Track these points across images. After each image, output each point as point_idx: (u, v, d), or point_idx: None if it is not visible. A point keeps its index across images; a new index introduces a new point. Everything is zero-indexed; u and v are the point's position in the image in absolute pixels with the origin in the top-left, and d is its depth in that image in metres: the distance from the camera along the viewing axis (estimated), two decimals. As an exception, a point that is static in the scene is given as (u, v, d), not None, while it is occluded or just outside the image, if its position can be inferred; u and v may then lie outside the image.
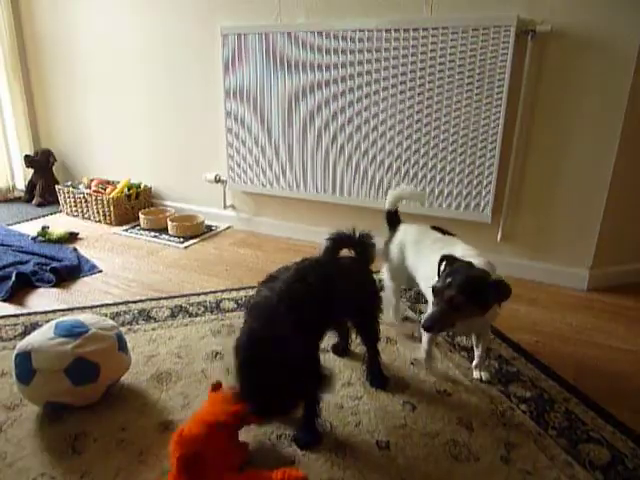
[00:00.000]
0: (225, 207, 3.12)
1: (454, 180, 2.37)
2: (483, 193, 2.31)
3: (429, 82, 2.29)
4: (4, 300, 2.13)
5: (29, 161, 3.61)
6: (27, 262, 2.44)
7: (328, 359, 1.70)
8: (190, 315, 1.99)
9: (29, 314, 2.01)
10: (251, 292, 2.20)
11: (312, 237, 2.85)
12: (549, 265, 2.34)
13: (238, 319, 1.97)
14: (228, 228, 3.11)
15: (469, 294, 1.31)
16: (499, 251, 2.43)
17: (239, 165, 2.90)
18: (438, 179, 2.40)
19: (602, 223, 2.20)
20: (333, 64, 2.47)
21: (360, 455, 1.29)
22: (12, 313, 2.02)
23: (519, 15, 2.07)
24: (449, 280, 1.33)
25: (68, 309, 2.04)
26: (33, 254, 2.56)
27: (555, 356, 1.75)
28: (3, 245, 2.68)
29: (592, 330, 1.95)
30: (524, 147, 2.25)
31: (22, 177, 3.82)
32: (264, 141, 2.78)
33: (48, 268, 2.34)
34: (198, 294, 2.17)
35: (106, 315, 1.97)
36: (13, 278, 2.21)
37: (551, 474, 1.23)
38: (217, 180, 3.04)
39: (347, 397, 1.51)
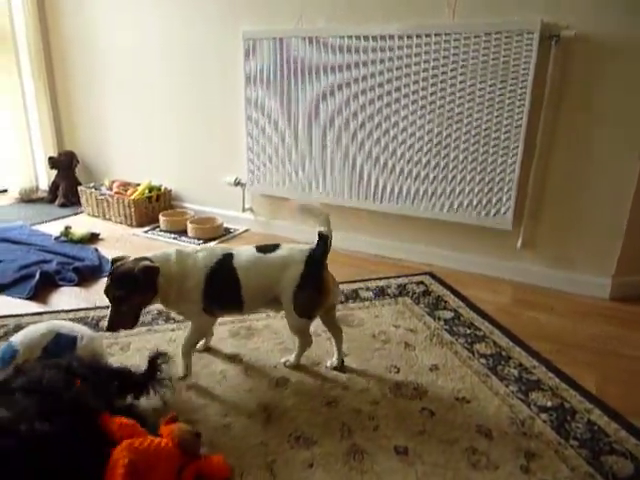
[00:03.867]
0: (244, 210, 3.14)
1: (474, 186, 2.35)
2: (504, 199, 2.29)
3: (450, 86, 2.29)
4: (28, 298, 2.17)
5: (53, 162, 3.68)
6: (50, 261, 2.48)
7: (345, 362, 1.70)
8: (209, 316, 2.00)
9: (52, 312, 2.05)
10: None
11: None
12: (570, 273, 2.31)
13: (257, 321, 1.98)
14: (246, 231, 3.13)
15: (122, 287, 1.41)
16: (519, 258, 2.40)
17: (259, 168, 2.92)
18: (458, 185, 2.39)
19: (626, 230, 2.16)
20: (355, 71, 2.48)
21: (378, 460, 1.28)
22: (36, 311, 2.06)
23: (542, 19, 2.05)
24: (108, 282, 1.44)
25: (90, 308, 2.07)
26: (56, 253, 2.60)
27: (576, 365, 1.72)
28: (27, 244, 2.74)
29: (615, 340, 1.92)
30: (546, 153, 2.23)
31: (46, 178, 3.89)
32: (284, 144, 2.80)
33: (71, 267, 2.38)
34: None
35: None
36: (37, 277, 2.25)
37: (572, 485, 1.21)
38: (237, 183, 3.06)
39: (365, 402, 1.51)
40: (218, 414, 1.44)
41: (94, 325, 1.92)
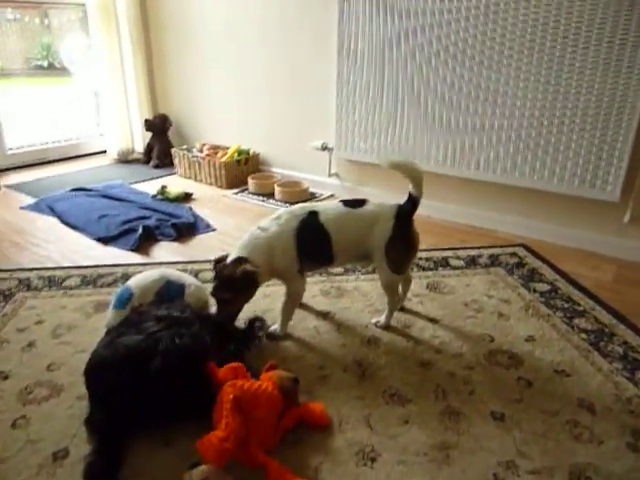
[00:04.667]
0: (329, 175, 3.15)
1: (579, 154, 2.21)
2: (612, 169, 2.14)
3: (561, 46, 2.13)
4: (132, 250, 2.33)
5: (148, 125, 3.87)
6: (149, 217, 2.64)
7: (435, 327, 1.69)
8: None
9: (154, 264, 2.18)
10: (357, 258, 2.22)
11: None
12: (682, 252, 2.14)
13: (346, 282, 2.00)
14: (331, 196, 3.15)
15: (227, 290, 1.48)
16: (625, 234, 2.25)
17: (347, 133, 2.90)
18: (561, 152, 2.26)
19: None
20: (455, 32, 2.38)
21: (475, 423, 1.28)
22: (139, 262, 2.21)
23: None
24: (215, 284, 1.51)
25: (188, 261, 2.19)
26: (155, 210, 2.76)
27: (689, 347, 1.61)
28: (128, 201, 2.92)
29: None
30: (665, 120, 2.05)
31: (141, 140, 4.10)
32: (374, 109, 2.76)
33: (169, 224, 2.52)
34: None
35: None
36: (140, 231, 2.40)
37: (687, 467, 1.15)
38: (324, 148, 3.07)
39: (459, 366, 1.50)
40: (314, 366, 1.49)
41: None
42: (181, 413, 1.23)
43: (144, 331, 1.24)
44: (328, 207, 1.61)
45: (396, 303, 1.71)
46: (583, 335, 1.66)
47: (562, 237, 2.40)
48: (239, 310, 1.57)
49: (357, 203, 1.60)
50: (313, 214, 1.56)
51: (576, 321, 1.74)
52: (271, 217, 1.59)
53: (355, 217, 1.57)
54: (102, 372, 1.23)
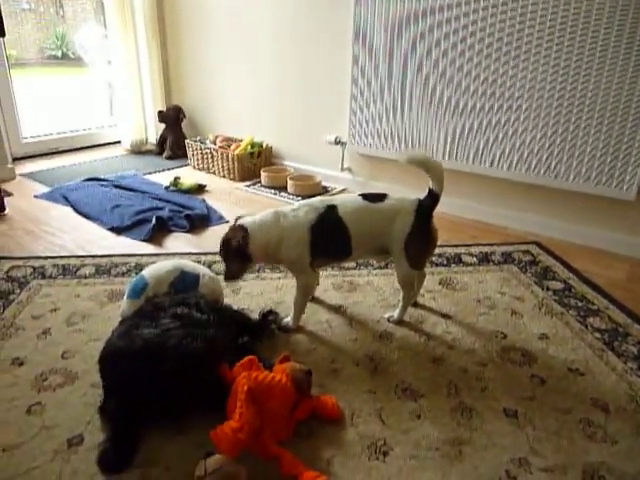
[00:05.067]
0: (342, 169, 3.15)
1: (596, 152, 2.19)
2: (630, 167, 2.12)
3: (569, 37, 2.11)
4: (145, 240, 2.34)
5: (162, 116, 3.88)
6: (163, 208, 2.65)
7: (448, 323, 1.68)
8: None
9: (167, 254, 2.19)
10: (369, 253, 2.22)
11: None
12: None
13: (358, 277, 2.00)
14: (343, 190, 3.14)
15: (222, 251, 1.57)
16: (638, 232, 2.23)
17: (360, 126, 2.89)
18: (577, 150, 2.23)
19: None
20: (467, 19, 2.35)
21: (487, 419, 1.28)
22: (152, 252, 2.22)
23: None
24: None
25: (201, 253, 2.20)
26: (168, 201, 2.77)
27: None
28: (141, 192, 2.93)
29: None
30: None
31: (154, 131, 4.11)
32: (388, 104, 2.74)
33: (182, 215, 2.53)
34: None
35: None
36: (153, 221, 2.41)
37: (703, 469, 1.14)
38: (337, 142, 3.06)
39: (471, 363, 1.49)
40: (326, 359, 1.49)
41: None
42: (192, 407, 1.23)
43: (160, 326, 1.24)
44: (347, 200, 1.59)
45: (411, 298, 1.71)
46: (597, 334, 1.65)
47: (576, 235, 2.38)
48: (241, 272, 1.60)
49: (377, 197, 1.59)
50: (331, 208, 1.56)
51: (590, 320, 1.73)
52: (291, 207, 1.59)
53: (374, 211, 1.56)
54: (116, 362, 1.24)
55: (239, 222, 1.58)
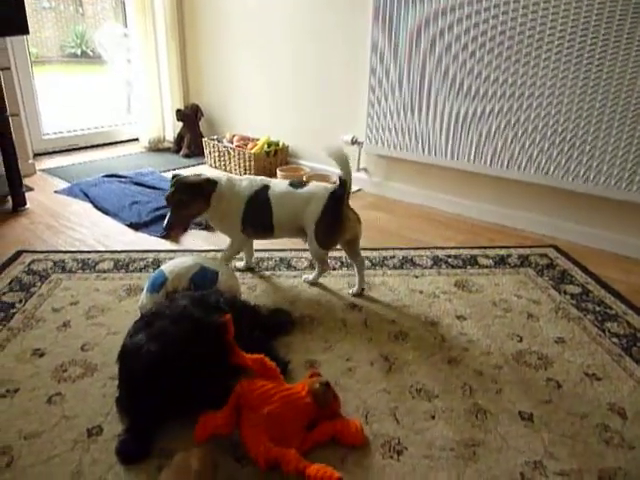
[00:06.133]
0: (358, 169, 3.15)
1: (618, 154, 2.16)
2: (651, 172, 2.09)
3: (592, 38, 2.09)
4: (163, 237, 2.37)
5: (179, 115, 3.91)
6: (180, 205, 2.67)
7: (463, 325, 1.68)
8: (327, 268, 2.07)
9: (184, 251, 2.22)
10: (384, 253, 2.22)
11: (445, 206, 2.80)
12: None
13: (374, 277, 2.01)
14: (359, 190, 3.15)
15: (187, 192, 1.70)
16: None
17: (377, 127, 2.89)
18: (597, 152, 2.21)
19: None
20: (488, 16, 2.34)
21: (502, 421, 1.27)
22: (170, 249, 2.25)
23: None
24: (172, 189, 1.72)
25: (217, 250, 2.21)
26: (185, 199, 2.79)
27: None
28: (159, 189, 2.96)
29: None
30: None
31: (172, 129, 4.15)
32: (406, 104, 2.74)
33: (199, 212, 2.55)
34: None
35: (251, 259, 2.12)
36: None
37: None
38: (353, 142, 3.07)
39: (486, 365, 1.49)
40: (341, 357, 1.50)
41: (222, 266, 2.06)
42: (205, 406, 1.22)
43: (177, 329, 1.24)
44: (277, 184, 1.82)
45: (324, 270, 1.94)
46: (615, 339, 1.63)
47: (595, 239, 2.36)
48: (188, 222, 1.81)
49: (300, 184, 1.81)
50: (265, 187, 1.79)
51: (607, 325, 1.72)
52: (239, 177, 1.85)
53: (295, 196, 1.77)
54: (130, 362, 1.24)
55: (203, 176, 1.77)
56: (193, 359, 1.20)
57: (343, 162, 1.69)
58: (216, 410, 1.17)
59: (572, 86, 2.20)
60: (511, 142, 2.43)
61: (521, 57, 2.30)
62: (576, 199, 2.37)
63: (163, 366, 1.18)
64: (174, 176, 1.79)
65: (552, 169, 2.34)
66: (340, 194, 1.72)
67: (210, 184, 1.73)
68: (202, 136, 3.86)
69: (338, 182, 1.72)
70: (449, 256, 2.20)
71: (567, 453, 1.18)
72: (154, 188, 2.99)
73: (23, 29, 2.48)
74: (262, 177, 1.86)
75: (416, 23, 2.56)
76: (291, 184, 1.81)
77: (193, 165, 3.66)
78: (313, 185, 1.80)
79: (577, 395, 1.38)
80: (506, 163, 2.47)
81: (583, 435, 1.24)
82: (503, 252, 2.26)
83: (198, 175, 1.78)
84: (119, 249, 2.22)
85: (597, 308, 1.82)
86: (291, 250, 2.23)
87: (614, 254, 2.30)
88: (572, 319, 1.74)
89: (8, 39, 3.07)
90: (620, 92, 2.09)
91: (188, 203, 1.72)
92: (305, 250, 2.21)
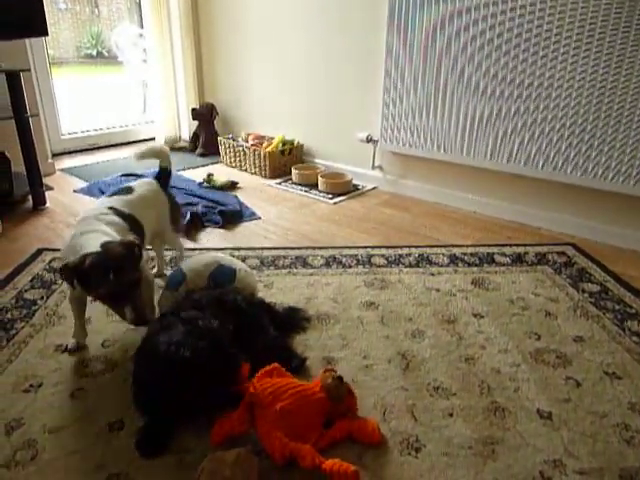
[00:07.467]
0: (373, 167, 3.15)
1: (635, 150, 2.13)
2: (671, 168, 2.06)
3: (611, 34, 2.06)
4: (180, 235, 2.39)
5: (195, 114, 3.94)
6: (197, 204, 2.69)
7: (480, 323, 1.67)
8: (343, 266, 2.07)
9: (201, 249, 2.24)
10: (400, 251, 2.22)
11: (461, 204, 2.79)
12: None
13: (390, 275, 2.01)
14: (374, 188, 3.14)
15: (136, 265, 1.36)
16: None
17: (393, 125, 2.88)
18: (617, 149, 2.18)
19: None
20: (504, 18, 2.32)
21: (520, 419, 1.27)
22: (187, 247, 2.27)
23: None
24: (115, 275, 1.28)
25: (234, 248, 2.23)
26: (201, 197, 2.82)
27: None
28: (177, 188, 2.99)
29: None
30: None
31: (187, 128, 4.18)
32: (422, 102, 2.73)
33: (216, 211, 2.57)
34: (350, 247, 2.25)
35: (267, 258, 2.13)
36: (188, 217, 2.46)
37: None
38: (368, 140, 3.06)
39: (504, 363, 1.48)
40: (358, 355, 1.50)
41: (239, 263, 2.08)
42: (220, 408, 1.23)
43: (195, 333, 1.21)
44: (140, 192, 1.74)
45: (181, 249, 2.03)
46: (635, 338, 1.61)
47: (614, 237, 2.33)
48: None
49: (127, 190, 1.71)
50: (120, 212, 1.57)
51: (627, 323, 1.69)
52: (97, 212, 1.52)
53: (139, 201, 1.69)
54: (146, 363, 1.22)
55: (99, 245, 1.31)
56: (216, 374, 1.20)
57: (161, 153, 1.86)
58: (231, 411, 1.18)
59: (590, 87, 2.17)
60: (528, 142, 2.41)
61: (538, 58, 2.27)
62: (595, 196, 2.34)
63: (194, 374, 1.16)
64: (82, 260, 1.26)
65: (570, 167, 2.32)
66: (166, 181, 1.88)
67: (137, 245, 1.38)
68: (217, 135, 3.88)
69: (160, 169, 1.87)
70: (465, 254, 2.19)
71: (587, 452, 1.17)
72: (171, 187, 3.01)
73: (42, 31, 2.52)
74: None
75: (432, 23, 2.55)
76: (118, 192, 1.70)
77: (208, 164, 3.68)
78: (138, 185, 1.78)
79: (597, 394, 1.37)
80: (523, 162, 2.45)
81: (603, 434, 1.23)
82: (520, 250, 2.24)
83: (107, 243, 1.32)
84: (137, 247, 2.24)
85: (616, 306, 1.80)
86: (307, 248, 2.23)
87: (634, 252, 2.27)
88: (591, 317, 1.73)
89: (27, 41, 3.12)
90: (639, 91, 2.07)
91: (139, 277, 1.36)
92: (322, 248, 2.23)
